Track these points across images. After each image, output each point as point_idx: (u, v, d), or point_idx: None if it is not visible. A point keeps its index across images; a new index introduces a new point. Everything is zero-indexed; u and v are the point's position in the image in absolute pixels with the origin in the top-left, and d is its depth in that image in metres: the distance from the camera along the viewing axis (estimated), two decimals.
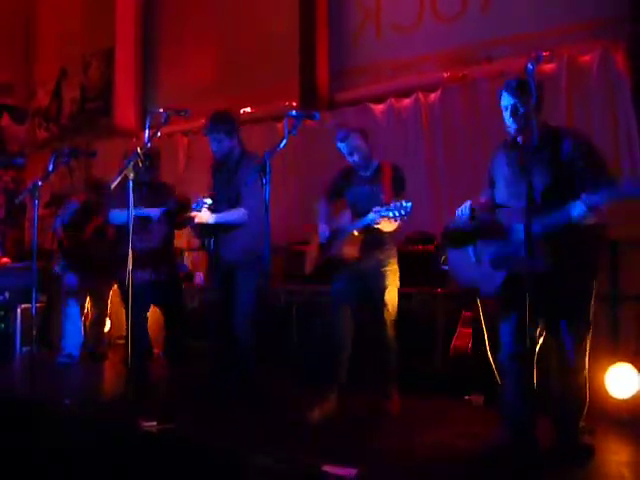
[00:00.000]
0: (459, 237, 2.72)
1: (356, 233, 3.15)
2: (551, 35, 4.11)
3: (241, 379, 3.50)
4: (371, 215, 2.99)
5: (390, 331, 3.26)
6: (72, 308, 4.70)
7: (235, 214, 3.48)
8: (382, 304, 3.23)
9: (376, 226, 3.03)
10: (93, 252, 4.59)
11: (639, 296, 3.40)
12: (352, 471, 2.12)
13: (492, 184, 2.73)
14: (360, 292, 3.27)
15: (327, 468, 2.09)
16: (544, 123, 2.53)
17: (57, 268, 4.60)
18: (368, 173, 3.33)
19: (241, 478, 2.25)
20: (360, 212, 3.16)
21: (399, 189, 3.21)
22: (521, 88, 2.43)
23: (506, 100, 2.52)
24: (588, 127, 3.74)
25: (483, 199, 2.74)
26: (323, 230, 3.34)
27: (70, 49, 7.13)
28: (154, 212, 3.70)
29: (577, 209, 2.27)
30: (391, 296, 3.26)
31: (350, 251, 3.18)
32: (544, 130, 2.48)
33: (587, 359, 2.52)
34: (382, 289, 3.23)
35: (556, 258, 2.30)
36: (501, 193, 2.64)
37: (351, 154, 3.28)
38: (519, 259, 2.35)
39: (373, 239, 3.18)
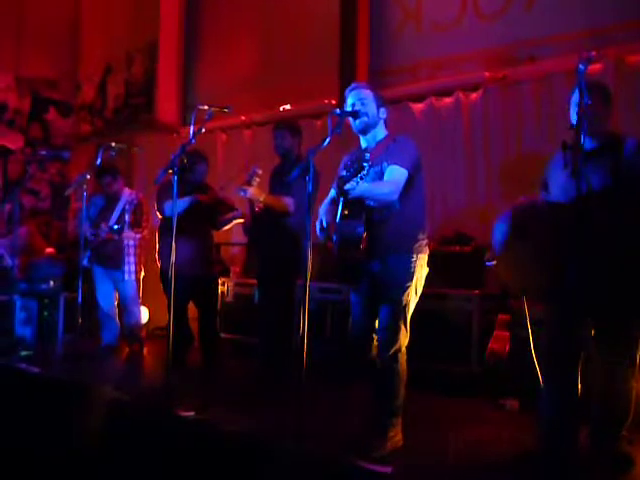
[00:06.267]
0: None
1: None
2: (597, 35, 4.02)
3: (277, 374, 3.57)
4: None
5: None
6: (103, 300, 4.77)
7: (284, 199, 3.54)
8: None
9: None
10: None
11: None
12: (387, 468, 2.13)
13: (545, 188, 2.66)
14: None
15: (362, 464, 2.11)
16: (612, 130, 2.51)
17: (84, 261, 4.62)
18: (369, 154, 2.51)
19: (276, 472, 2.29)
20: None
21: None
22: (591, 88, 2.40)
23: (576, 95, 2.48)
24: (634, 128, 3.66)
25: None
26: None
27: (115, 45, 7.29)
28: (184, 201, 3.76)
29: None
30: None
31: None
32: (609, 135, 2.47)
33: (636, 367, 2.47)
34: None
35: (612, 257, 2.25)
36: (554, 196, 2.57)
37: (354, 106, 2.62)
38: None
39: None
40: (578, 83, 1.99)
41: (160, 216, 4.12)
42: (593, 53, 2.15)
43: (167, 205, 3.89)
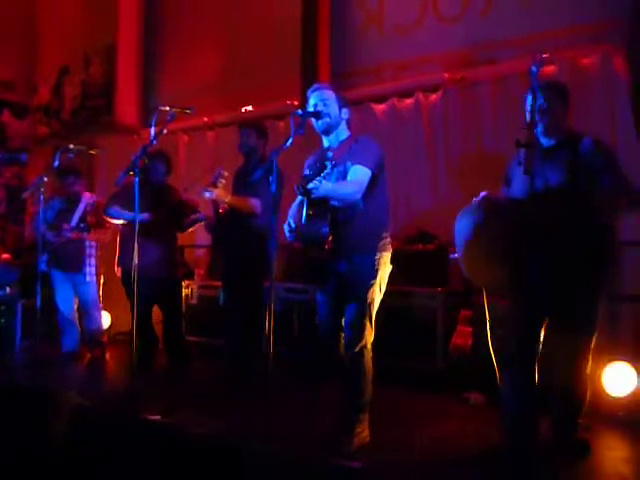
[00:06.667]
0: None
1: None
2: (552, 37, 4.14)
3: (245, 375, 3.55)
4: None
5: None
6: (63, 304, 4.65)
7: (250, 200, 3.53)
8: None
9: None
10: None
11: (638, 296, 3.45)
12: (356, 464, 2.15)
13: (508, 183, 2.71)
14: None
15: (332, 460, 2.13)
16: (569, 127, 2.58)
17: (42, 265, 4.45)
18: (332, 153, 2.55)
19: (246, 473, 2.28)
20: None
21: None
22: (550, 88, 2.48)
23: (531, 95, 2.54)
24: (587, 129, 3.78)
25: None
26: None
27: (72, 45, 7.13)
28: (141, 217, 3.73)
29: None
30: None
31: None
32: (567, 133, 2.53)
33: (590, 358, 2.55)
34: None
35: (571, 254, 2.32)
36: (514, 192, 2.62)
37: (316, 106, 2.65)
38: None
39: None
40: (531, 84, 2.05)
41: (109, 219, 4.15)
42: (545, 55, 2.22)
43: (112, 210, 4.01)
